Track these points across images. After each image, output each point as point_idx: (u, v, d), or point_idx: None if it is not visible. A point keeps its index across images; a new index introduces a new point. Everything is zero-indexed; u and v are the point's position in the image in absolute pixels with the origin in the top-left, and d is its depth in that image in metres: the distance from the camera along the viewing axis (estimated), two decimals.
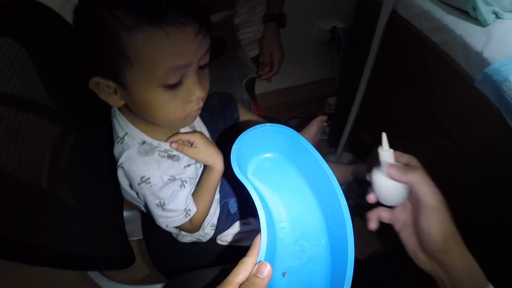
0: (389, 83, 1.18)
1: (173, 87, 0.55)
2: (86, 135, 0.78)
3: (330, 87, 1.79)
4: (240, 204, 0.88)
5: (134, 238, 0.97)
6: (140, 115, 0.63)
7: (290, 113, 1.83)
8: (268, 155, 0.59)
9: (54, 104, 0.68)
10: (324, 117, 1.12)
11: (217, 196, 0.86)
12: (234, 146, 0.51)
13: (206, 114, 0.93)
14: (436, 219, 0.48)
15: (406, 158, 0.53)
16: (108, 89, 0.57)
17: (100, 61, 0.54)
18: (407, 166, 0.51)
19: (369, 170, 0.55)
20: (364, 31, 1.13)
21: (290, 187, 0.56)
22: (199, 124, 0.82)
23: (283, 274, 0.49)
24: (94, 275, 0.81)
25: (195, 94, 0.58)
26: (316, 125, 1.11)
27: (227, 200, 0.88)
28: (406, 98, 1.12)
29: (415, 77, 1.04)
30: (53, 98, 0.67)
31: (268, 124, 0.53)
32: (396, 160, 0.52)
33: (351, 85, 1.27)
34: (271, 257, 0.46)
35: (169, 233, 0.86)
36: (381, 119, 1.32)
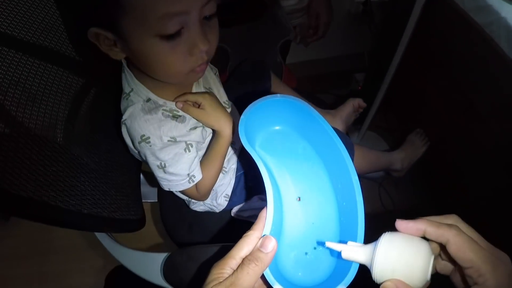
0: (423, 62, 1.14)
1: (171, 37, 0.52)
2: (106, 91, 0.76)
3: (358, 62, 1.74)
4: (259, 177, 0.86)
5: (149, 201, 0.98)
6: (142, 70, 0.60)
7: (315, 86, 1.79)
8: (277, 127, 0.56)
9: (78, 55, 0.67)
10: (362, 102, 1.05)
11: (233, 166, 0.84)
12: (242, 116, 0.48)
13: (235, 79, 0.91)
14: None
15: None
16: (109, 41, 0.54)
17: (96, 9, 0.51)
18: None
19: None
20: (401, 6, 1.08)
21: (299, 161, 0.53)
22: (216, 86, 0.77)
23: (290, 250, 0.47)
24: (101, 236, 0.82)
25: (197, 47, 0.54)
26: (351, 105, 1.04)
27: (243, 171, 0.85)
28: (440, 80, 1.08)
29: (452, 58, 1.00)
30: (77, 49, 0.66)
31: (279, 95, 0.50)
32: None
33: (382, 62, 1.22)
34: (277, 232, 0.45)
35: (183, 199, 0.85)
36: (410, 100, 1.29)
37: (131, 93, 0.64)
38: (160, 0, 0.48)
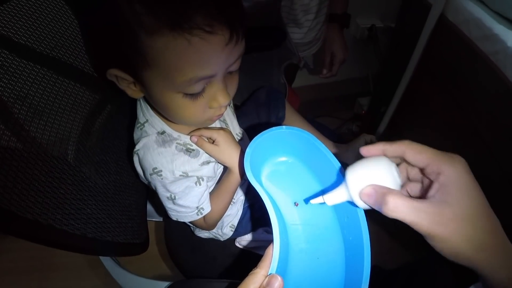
0: (428, 88, 1.14)
1: (194, 95, 0.52)
2: (120, 111, 0.76)
3: (362, 86, 1.75)
4: (265, 210, 0.85)
5: (154, 219, 0.97)
6: (159, 111, 0.61)
7: (320, 109, 1.80)
8: (283, 158, 0.56)
9: (95, 72, 0.67)
10: (375, 139, 1.02)
11: (242, 197, 0.84)
12: (247, 149, 0.48)
13: (250, 106, 0.91)
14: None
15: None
16: (127, 82, 0.54)
17: (117, 54, 0.50)
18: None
19: None
20: (408, 33, 1.09)
21: (306, 193, 0.53)
22: (229, 117, 0.77)
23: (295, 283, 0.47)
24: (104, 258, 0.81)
25: (217, 102, 0.54)
26: (364, 141, 1.02)
27: (252, 203, 0.84)
28: (445, 105, 1.08)
29: (458, 85, 1.00)
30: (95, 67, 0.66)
31: (284, 126, 0.50)
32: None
33: (387, 86, 1.24)
34: (283, 268, 0.44)
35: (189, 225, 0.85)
36: (416, 124, 1.29)
37: (146, 124, 0.64)
38: (189, 64, 0.47)
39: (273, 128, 0.50)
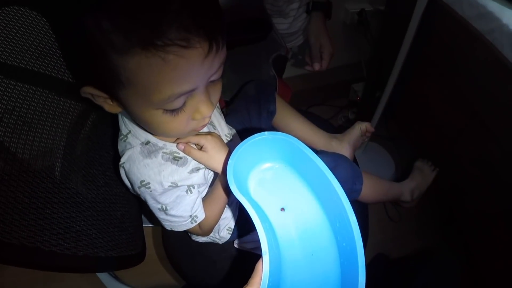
0: (423, 71, 1.12)
1: (175, 110, 0.49)
2: (104, 119, 0.74)
3: (356, 72, 1.72)
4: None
5: (151, 225, 0.94)
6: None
7: (314, 99, 1.77)
8: (269, 164, 0.53)
9: (75, 79, 0.64)
10: (370, 126, 0.98)
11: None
12: (230, 160, 0.46)
13: (240, 102, 0.88)
14: None
15: None
16: (103, 98, 0.51)
17: (90, 73, 0.47)
18: None
19: None
20: (398, 15, 1.06)
21: (295, 197, 0.51)
22: (216, 118, 0.74)
23: None
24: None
25: (200, 114, 0.52)
26: (359, 129, 0.97)
27: None
28: (442, 88, 1.06)
29: (454, 66, 0.98)
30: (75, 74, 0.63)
31: (266, 132, 0.48)
32: None
33: (381, 71, 1.21)
34: (275, 283, 0.43)
35: None
36: (411, 109, 1.26)
37: (129, 135, 0.61)
38: (166, 82, 0.44)
39: (256, 135, 0.48)
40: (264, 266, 0.40)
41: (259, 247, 0.42)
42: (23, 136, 0.52)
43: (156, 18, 0.39)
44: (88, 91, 0.49)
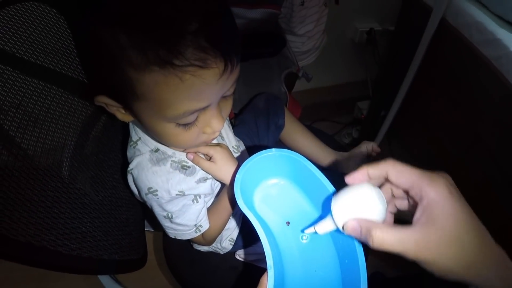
0: (430, 92, 1.13)
1: (188, 124, 0.50)
2: (114, 124, 0.74)
3: (361, 90, 1.74)
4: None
5: (153, 230, 0.94)
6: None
7: (318, 114, 1.78)
8: (275, 180, 0.55)
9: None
10: (376, 146, 0.98)
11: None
12: (237, 175, 0.47)
13: (249, 114, 0.89)
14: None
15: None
16: (116, 107, 0.52)
17: (104, 82, 0.48)
18: None
19: None
20: (408, 36, 1.08)
21: (299, 214, 0.52)
22: (225, 130, 0.75)
23: None
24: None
25: (211, 128, 0.53)
26: (365, 148, 0.97)
27: None
28: (447, 110, 1.07)
29: (460, 89, 0.99)
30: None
31: (274, 149, 0.49)
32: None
33: (386, 91, 1.22)
34: None
35: None
36: (416, 128, 1.27)
37: (139, 142, 0.61)
38: (181, 99, 0.45)
39: (263, 151, 0.49)
40: (269, 281, 0.41)
41: (260, 259, 0.43)
42: (35, 133, 0.53)
43: (174, 38, 0.40)
44: (102, 100, 0.50)
